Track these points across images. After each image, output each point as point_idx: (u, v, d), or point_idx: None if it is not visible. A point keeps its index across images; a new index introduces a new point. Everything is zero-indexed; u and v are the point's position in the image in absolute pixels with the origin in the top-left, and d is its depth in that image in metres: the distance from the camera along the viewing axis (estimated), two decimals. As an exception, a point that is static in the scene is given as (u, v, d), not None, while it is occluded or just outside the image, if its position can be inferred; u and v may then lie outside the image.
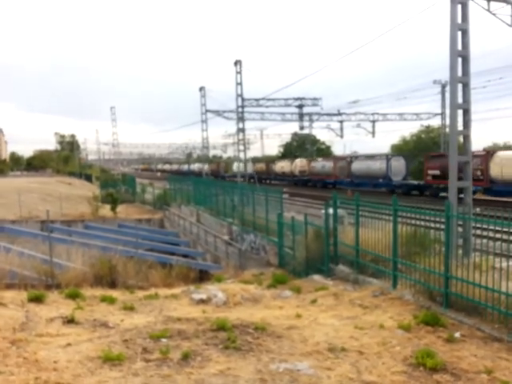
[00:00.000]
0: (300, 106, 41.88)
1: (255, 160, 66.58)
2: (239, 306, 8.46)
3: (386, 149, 53.69)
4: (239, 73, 34.21)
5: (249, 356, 5.56)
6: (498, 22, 13.29)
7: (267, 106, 40.37)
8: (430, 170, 32.01)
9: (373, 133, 46.26)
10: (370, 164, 39.40)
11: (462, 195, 11.22)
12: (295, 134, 65.14)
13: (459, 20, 10.80)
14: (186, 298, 9.00)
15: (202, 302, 8.57)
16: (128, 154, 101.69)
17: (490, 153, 29.14)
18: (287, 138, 72.09)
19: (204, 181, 35.04)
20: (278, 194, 15.83)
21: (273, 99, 39.31)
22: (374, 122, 45.53)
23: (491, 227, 7.47)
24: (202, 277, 14.96)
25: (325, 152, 63.97)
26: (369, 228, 9.65)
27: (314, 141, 66.45)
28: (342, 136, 47.67)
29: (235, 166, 66.66)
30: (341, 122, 45.69)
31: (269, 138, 74.60)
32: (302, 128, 44.85)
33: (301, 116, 43.00)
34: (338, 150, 68.75)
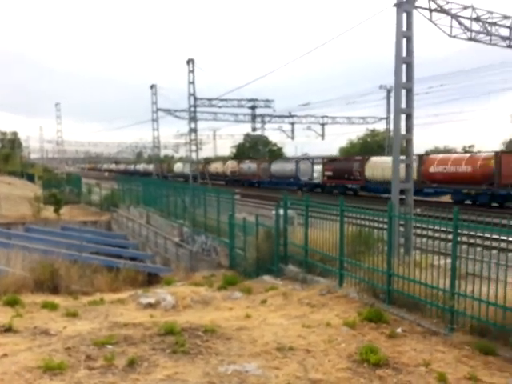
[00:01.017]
0: (253, 107, 42.11)
1: (207, 160, 66.31)
2: (189, 309, 8.37)
3: (335, 151, 55.25)
4: (192, 72, 33.83)
5: (197, 359, 5.52)
6: (441, 32, 14.09)
7: (220, 107, 40.23)
8: (326, 172, 39.13)
9: (322, 135, 47.46)
10: (285, 166, 46.01)
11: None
12: (248, 135, 65.42)
13: (404, 28, 11.29)
14: (134, 303, 8.78)
15: (150, 306, 8.39)
16: (73, 152, 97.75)
17: (364, 158, 35.60)
18: (240, 139, 72.29)
19: (154, 181, 34.34)
20: (229, 195, 15.83)
21: (226, 99, 39.21)
22: (323, 124, 46.68)
23: (430, 227, 7.85)
24: (151, 280, 14.67)
25: (276, 153, 64.73)
26: (317, 228, 9.88)
27: (266, 142, 67.03)
28: (293, 138, 48.49)
29: (176, 167, 66.53)
30: (292, 124, 46.43)
31: (222, 139, 74.48)
32: (254, 129, 45.12)
33: (253, 117, 43.25)
34: (289, 151, 69.84)
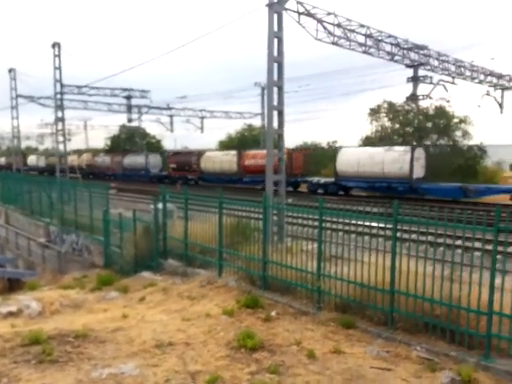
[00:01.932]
0: (128, 97, 40.16)
1: (80, 152, 61.82)
2: (57, 315, 7.73)
3: (213, 144, 55.71)
4: (58, 56, 30.85)
5: (68, 367, 5.14)
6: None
7: (91, 95, 37.55)
8: (171, 164, 42.47)
9: (201, 128, 47.48)
10: (136, 159, 47.90)
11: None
12: (123, 126, 62.26)
13: (276, 28, 11.79)
14: (-9, 313, 7.80)
15: (10, 315, 7.54)
16: None
17: (201, 153, 40.70)
18: (115, 130, 68.47)
19: (13, 176, 30.77)
20: (103, 190, 14.93)
21: (98, 88, 36.69)
22: (202, 118, 46.67)
23: (300, 215, 8.43)
24: (13, 286, 13.16)
25: (155, 146, 62.80)
26: (197, 221, 9.90)
27: (143, 134, 64.62)
28: (172, 130, 47.58)
29: (30, 160, 61.09)
30: (171, 116, 45.53)
31: (94, 130, 69.59)
32: (130, 120, 43.09)
33: (129, 107, 41.27)
34: (168, 144, 68.31)
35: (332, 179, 29.47)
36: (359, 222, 7.10)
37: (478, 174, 30.85)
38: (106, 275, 10.74)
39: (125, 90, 39.23)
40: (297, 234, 8.21)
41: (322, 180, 30.57)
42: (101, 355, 5.46)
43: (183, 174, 40.60)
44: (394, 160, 25.81)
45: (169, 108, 43.85)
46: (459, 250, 5.66)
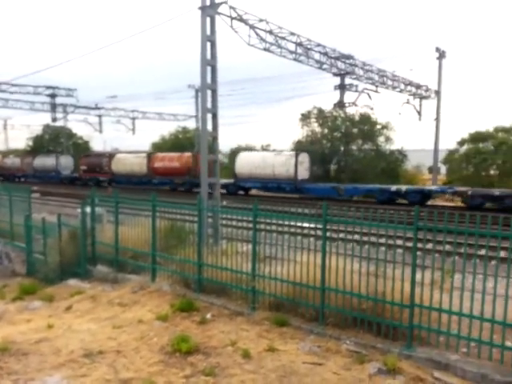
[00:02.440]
0: (52, 96, 38.00)
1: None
2: (-27, 329, 7.11)
3: (146, 147, 54.28)
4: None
5: (-15, 384, 4.76)
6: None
7: (12, 93, 35.03)
8: (82, 166, 42.70)
9: (133, 130, 46.09)
10: (46, 160, 47.83)
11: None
12: (47, 126, 58.67)
13: (208, 32, 11.78)
14: None
15: None
16: None
17: (112, 155, 41.80)
18: (38, 130, 64.28)
19: None
20: (25, 194, 13.98)
21: (18, 85, 34.32)
22: (133, 119, 45.33)
23: (235, 217, 8.50)
24: None
25: (83, 147, 59.80)
26: (129, 225, 9.60)
27: (69, 135, 61.33)
28: (101, 131, 45.68)
29: None
30: (99, 116, 43.70)
31: (15, 129, 64.81)
32: (54, 120, 40.81)
33: (53, 106, 39.07)
34: (97, 145, 65.41)
35: (232, 180, 32.29)
36: (292, 223, 7.31)
37: (399, 177, 32.98)
38: (28, 284, 10.05)
39: (49, 87, 37.10)
40: (232, 235, 8.25)
41: (223, 181, 31.87)
42: (23, 369, 5.12)
43: (94, 175, 40.86)
44: (282, 163, 29.33)
45: (97, 108, 42.09)
46: (383, 248, 6.02)
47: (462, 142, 30.52)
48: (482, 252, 6.62)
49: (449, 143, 39.38)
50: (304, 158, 30.00)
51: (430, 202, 24.83)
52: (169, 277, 8.57)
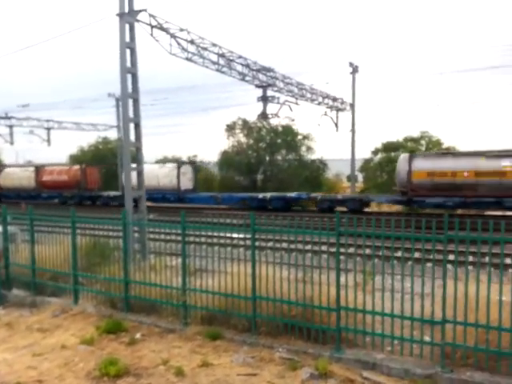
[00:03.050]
0: (-48, 105, 34.54)
1: None
2: None
3: (63, 159, 51.18)
4: None
5: None
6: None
7: None
8: None
9: (48, 141, 43.26)
10: None
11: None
12: None
13: (128, 39, 11.46)
14: None
15: None
16: None
17: (1, 169, 40.21)
18: None
19: None
20: None
21: None
22: (49, 129, 42.55)
23: (163, 231, 8.32)
24: None
25: (-10, 160, 54.96)
26: (47, 243, 8.98)
27: (-26, 147, 56.04)
28: (12, 142, 42.32)
29: None
30: (10, 126, 40.49)
31: None
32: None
33: (-47, 116, 35.55)
34: (9, 158, 60.37)
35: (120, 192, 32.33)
36: (221, 234, 7.31)
37: (322, 185, 34.45)
38: None
39: None
40: (160, 249, 8.05)
41: (112, 194, 32.64)
42: None
43: None
44: (166, 175, 30.84)
45: (7, 117, 38.98)
46: (309, 254, 6.25)
47: (375, 152, 32.65)
48: (399, 254, 7.11)
49: (365, 153, 41.92)
50: (187, 169, 31.86)
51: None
52: (93, 297, 8.13)
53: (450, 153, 23.56)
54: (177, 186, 30.10)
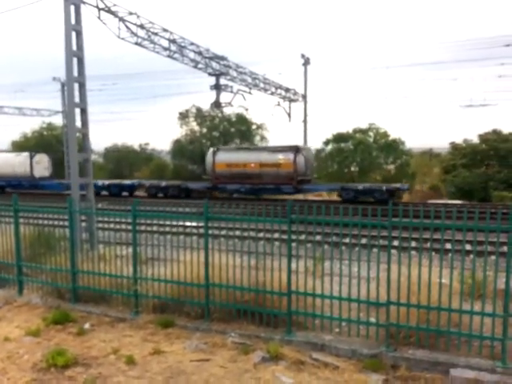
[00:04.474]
0: None
1: None
2: None
3: (5, 145, 48.26)
4: None
5: None
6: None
7: None
8: None
9: (-14, 126, 40.66)
10: None
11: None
12: None
13: (73, 21, 10.93)
14: None
15: None
16: None
17: None
18: None
19: None
20: None
21: None
22: (-15, 114, 39.97)
23: (113, 220, 8.10)
24: None
25: None
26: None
27: None
28: None
29: None
30: None
31: None
32: None
33: None
34: None
35: None
36: (174, 223, 7.24)
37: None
38: None
39: None
40: (110, 239, 7.84)
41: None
42: None
43: None
44: (21, 163, 32.99)
45: None
46: (262, 242, 6.33)
47: (326, 142, 33.43)
48: (347, 240, 7.37)
49: (316, 143, 42.76)
50: (42, 158, 33.74)
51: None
52: (39, 288, 7.82)
53: (243, 147, 28.33)
54: (30, 174, 32.49)
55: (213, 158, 26.57)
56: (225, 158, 26.29)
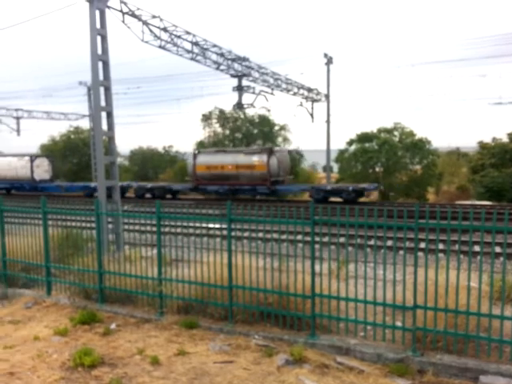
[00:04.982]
0: None
1: None
2: None
3: (34, 148, 49.81)
4: None
5: None
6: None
7: None
8: None
9: (18, 130, 41.92)
10: None
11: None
12: None
13: (98, 25, 11.17)
14: None
15: None
16: None
17: None
18: None
19: None
20: None
21: None
22: (18, 118, 41.24)
23: (138, 221, 8.21)
24: None
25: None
26: (18, 235, 8.76)
27: None
28: (-23, 132, 40.83)
29: None
30: (-25, 115, 38.95)
31: None
32: None
33: None
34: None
35: None
36: (197, 224, 7.29)
37: (298, 175, 34.66)
38: None
39: None
40: (135, 240, 7.96)
41: None
42: None
43: None
44: (23, 166, 34.09)
45: (-28, 106, 37.59)
46: (285, 243, 6.31)
47: (350, 142, 33.01)
48: (372, 242, 7.27)
49: (340, 143, 42.38)
50: (42, 161, 34.85)
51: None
52: (67, 289, 8.00)
53: (221, 150, 28.73)
54: (30, 177, 33.45)
55: (194, 161, 27.66)
56: (205, 160, 27.38)
